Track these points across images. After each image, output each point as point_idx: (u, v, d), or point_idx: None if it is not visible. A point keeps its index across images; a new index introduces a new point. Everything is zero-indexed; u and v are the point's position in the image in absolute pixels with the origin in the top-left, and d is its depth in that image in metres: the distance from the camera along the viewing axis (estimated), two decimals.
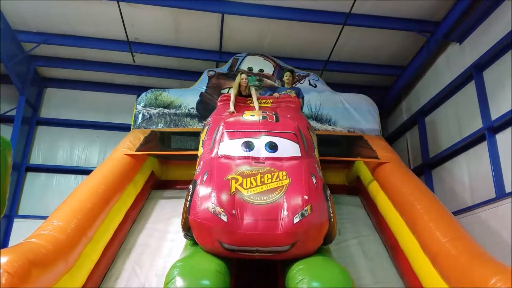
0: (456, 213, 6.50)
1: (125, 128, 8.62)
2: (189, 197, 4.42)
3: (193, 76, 8.96)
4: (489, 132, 6.29)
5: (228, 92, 7.13)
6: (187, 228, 4.38)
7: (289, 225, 4.07)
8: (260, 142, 5.03)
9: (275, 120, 5.52)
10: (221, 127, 5.31)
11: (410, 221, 5.02)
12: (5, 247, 5.02)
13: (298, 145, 5.09)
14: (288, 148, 5.01)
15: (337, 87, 8.65)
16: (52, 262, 3.74)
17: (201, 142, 5.71)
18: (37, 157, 9.52)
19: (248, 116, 5.62)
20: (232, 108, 6.12)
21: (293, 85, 7.31)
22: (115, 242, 5.41)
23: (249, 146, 4.99)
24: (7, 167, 2.94)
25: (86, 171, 8.65)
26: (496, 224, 5.75)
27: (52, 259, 3.75)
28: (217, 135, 5.25)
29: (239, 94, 6.45)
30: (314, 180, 4.58)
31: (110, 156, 6.58)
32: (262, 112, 5.85)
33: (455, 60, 7.48)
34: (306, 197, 4.26)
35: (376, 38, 8.33)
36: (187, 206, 4.37)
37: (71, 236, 4.18)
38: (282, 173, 4.54)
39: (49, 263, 3.69)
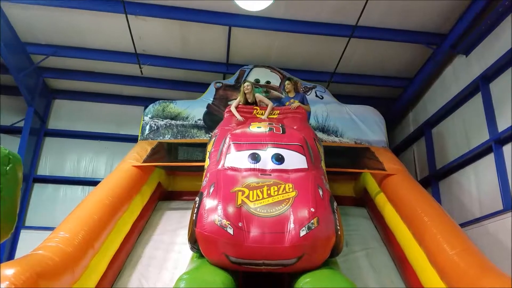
0: (463, 225, 6.45)
1: (133, 139, 8.66)
2: (196, 209, 4.41)
3: (200, 87, 9.01)
4: (496, 144, 6.25)
5: None
6: (193, 241, 4.36)
7: (296, 238, 4.04)
8: (266, 154, 5.02)
9: (281, 132, 5.50)
10: (227, 139, 5.31)
11: (418, 233, 4.99)
12: (12, 259, 5.05)
13: (304, 157, 5.07)
14: (295, 160, 5.00)
15: (344, 98, 8.68)
16: (59, 274, 3.74)
17: (207, 153, 5.72)
18: (44, 168, 9.57)
19: (255, 128, 5.62)
20: (237, 116, 6.27)
21: (296, 93, 7.34)
22: (122, 254, 5.41)
23: (255, 158, 4.98)
24: (18, 182, 2.96)
25: (93, 182, 8.71)
26: (504, 236, 5.68)
27: (59, 271, 3.75)
28: (223, 147, 5.25)
29: (245, 102, 6.63)
30: (320, 192, 4.56)
31: (117, 167, 6.62)
32: (269, 123, 5.86)
33: (461, 71, 7.47)
34: (312, 209, 4.24)
35: (382, 50, 8.35)
36: (194, 218, 4.35)
37: (78, 248, 4.19)
38: (288, 185, 4.53)
39: (56, 275, 3.69)
